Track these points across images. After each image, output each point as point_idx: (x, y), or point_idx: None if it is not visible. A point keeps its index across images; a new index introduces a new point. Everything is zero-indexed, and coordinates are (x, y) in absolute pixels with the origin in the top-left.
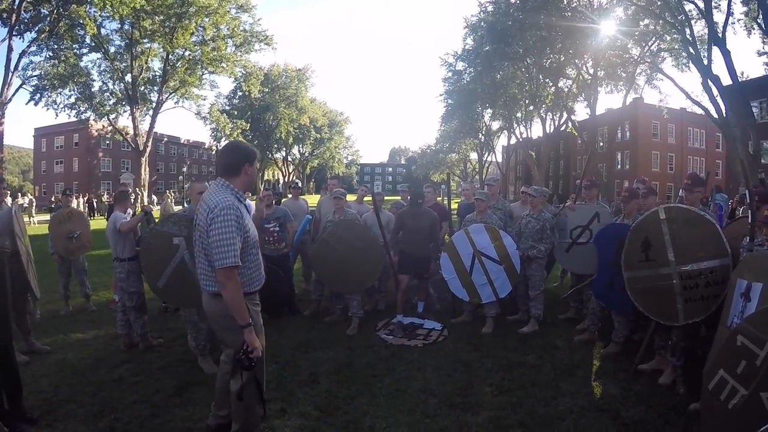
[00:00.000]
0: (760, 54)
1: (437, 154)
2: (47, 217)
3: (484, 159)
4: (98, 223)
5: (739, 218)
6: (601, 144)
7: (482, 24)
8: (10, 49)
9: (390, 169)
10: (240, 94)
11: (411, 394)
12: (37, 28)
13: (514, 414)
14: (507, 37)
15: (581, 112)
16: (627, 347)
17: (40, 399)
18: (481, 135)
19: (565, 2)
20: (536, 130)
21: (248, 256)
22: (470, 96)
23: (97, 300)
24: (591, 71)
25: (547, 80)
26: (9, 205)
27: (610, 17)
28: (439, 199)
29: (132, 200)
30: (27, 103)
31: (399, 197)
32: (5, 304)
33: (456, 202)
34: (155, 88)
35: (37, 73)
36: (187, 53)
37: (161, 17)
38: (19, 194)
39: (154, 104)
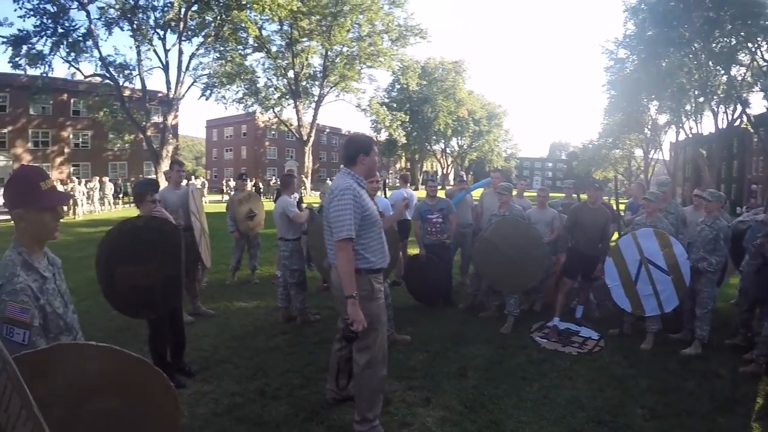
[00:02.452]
0: None
1: (600, 149)
2: (217, 197)
3: (650, 156)
4: (264, 204)
5: None
6: None
7: (643, 6)
8: (180, 53)
9: (550, 164)
10: (398, 87)
11: (559, 403)
12: (203, 33)
13: None
14: (671, 19)
15: (758, 104)
16: None
17: (200, 356)
18: (646, 129)
19: None
20: (707, 126)
21: (369, 233)
22: (634, 86)
23: (260, 274)
24: (767, 57)
25: (718, 67)
26: (185, 186)
27: None
28: (606, 198)
29: (296, 185)
30: (199, 99)
31: (563, 194)
32: (178, 271)
33: (623, 203)
34: (316, 82)
35: (206, 72)
36: (345, 49)
37: (317, 17)
38: (193, 177)
39: (316, 98)
